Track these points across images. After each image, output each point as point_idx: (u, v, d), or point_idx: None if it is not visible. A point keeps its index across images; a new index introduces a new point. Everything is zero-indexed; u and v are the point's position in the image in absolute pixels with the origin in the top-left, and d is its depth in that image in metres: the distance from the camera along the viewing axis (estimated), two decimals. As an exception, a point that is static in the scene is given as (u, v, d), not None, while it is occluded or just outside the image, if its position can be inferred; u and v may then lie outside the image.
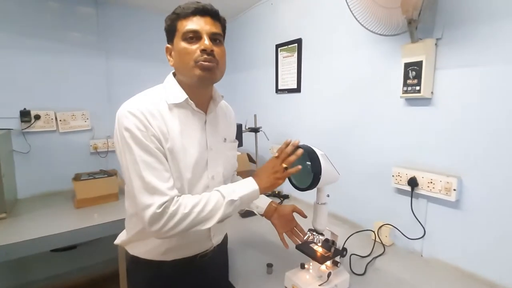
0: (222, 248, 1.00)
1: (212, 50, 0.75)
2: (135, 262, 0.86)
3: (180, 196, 0.73)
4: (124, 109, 0.73)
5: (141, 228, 0.80)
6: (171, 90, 0.79)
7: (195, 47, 0.74)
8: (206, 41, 0.74)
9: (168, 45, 0.81)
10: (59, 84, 1.84)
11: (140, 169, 0.69)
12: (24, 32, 1.72)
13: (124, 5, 2.04)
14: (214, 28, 0.77)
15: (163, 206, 0.69)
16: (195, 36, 0.75)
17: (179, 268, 0.84)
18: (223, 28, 0.82)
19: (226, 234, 1.05)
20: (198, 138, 0.80)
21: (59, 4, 1.81)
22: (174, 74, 0.84)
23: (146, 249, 0.83)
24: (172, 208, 0.69)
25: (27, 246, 1.26)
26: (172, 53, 0.80)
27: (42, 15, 1.77)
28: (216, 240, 0.91)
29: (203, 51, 0.74)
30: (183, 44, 0.75)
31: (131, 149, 0.70)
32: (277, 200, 1.76)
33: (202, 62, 0.74)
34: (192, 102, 0.79)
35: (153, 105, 0.75)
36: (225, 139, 0.90)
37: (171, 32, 0.79)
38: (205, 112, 0.84)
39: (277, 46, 1.88)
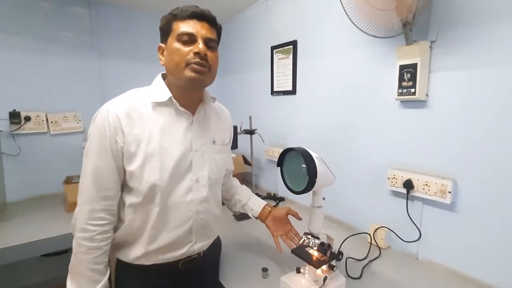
0: (212, 253, 0.97)
1: (205, 54, 0.74)
2: (120, 266, 0.84)
3: (106, 232, 0.76)
4: (103, 110, 0.73)
5: (119, 230, 0.80)
6: (156, 90, 0.79)
7: (188, 49, 0.74)
8: (200, 45, 0.74)
9: (161, 44, 0.81)
10: (50, 85, 1.81)
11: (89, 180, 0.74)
12: (14, 31, 1.68)
13: (118, 5, 2.02)
14: (209, 34, 0.77)
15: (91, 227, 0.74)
16: (189, 39, 0.74)
17: (161, 273, 0.82)
18: (219, 35, 0.82)
19: (219, 238, 1.03)
20: (181, 139, 0.79)
21: (51, 4, 1.78)
22: (164, 77, 0.83)
23: (124, 251, 0.82)
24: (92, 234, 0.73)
25: (16, 251, 1.22)
26: (164, 52, 0.79)
27: (34, 15, 1.73)
28: (199, 246, 0.87)
29: (197, 54, 0.73)
30: (177, 45, 0.75)
31: (90, 154, 0.74)
32: (273, 203, 1.75)
33: (194, 65, 0.74)
34: (176, 101, 0.78)
35: (133, 106, 0.75)
36: (214, 141, 0.88)
37: (165, 32, 0.78)
38: (193, 114, 0.83)
39: (273, 48, 1.87)
